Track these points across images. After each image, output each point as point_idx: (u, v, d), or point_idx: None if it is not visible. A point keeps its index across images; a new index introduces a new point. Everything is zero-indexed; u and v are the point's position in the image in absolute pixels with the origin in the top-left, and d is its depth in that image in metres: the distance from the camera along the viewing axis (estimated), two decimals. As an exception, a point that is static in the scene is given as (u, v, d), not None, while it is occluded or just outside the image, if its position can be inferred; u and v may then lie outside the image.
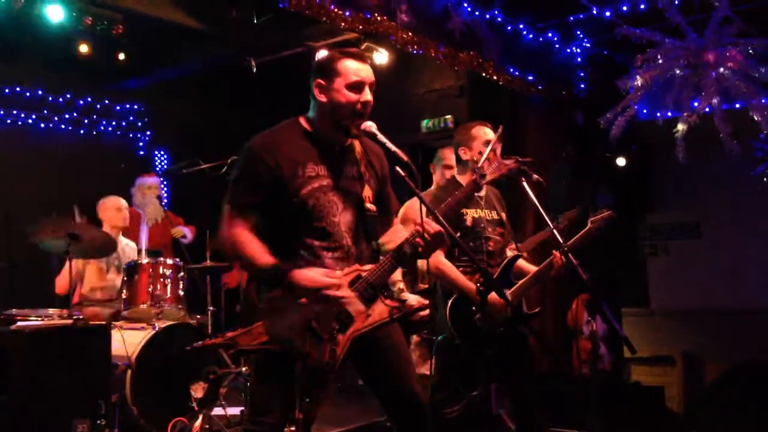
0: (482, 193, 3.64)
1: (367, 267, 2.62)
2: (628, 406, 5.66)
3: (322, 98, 2.61)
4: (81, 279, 5.13)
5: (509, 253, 3.73)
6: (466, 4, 5.35)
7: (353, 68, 2.59)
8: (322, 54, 2.73)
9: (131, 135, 7.14)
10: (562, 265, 3.49)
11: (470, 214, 3.60)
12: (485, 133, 3.69)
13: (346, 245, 2.63)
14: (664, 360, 6.85)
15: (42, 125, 6.49)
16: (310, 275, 2.50)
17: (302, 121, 2.71)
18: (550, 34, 6.19)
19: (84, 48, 5.72)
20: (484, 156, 3.14)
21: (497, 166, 3.11)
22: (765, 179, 6.01)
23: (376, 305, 2.59)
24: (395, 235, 2.78)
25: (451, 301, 3.51)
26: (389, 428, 2.88)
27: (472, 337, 3.46)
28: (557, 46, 6.32)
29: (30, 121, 6.43)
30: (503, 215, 3.80)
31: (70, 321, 3.99)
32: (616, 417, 5.26)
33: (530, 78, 6.12)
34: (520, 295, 3.63)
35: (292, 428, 2.63)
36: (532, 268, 3.67)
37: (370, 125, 2.64)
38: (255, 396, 2.60)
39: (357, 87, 2.59)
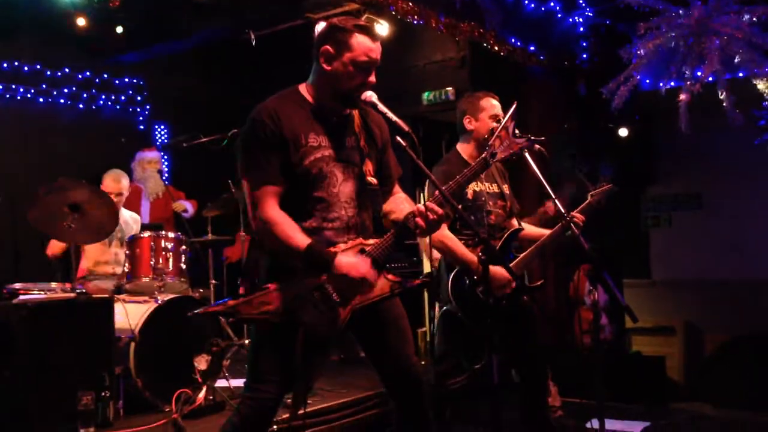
0: None
1: (371, 241, 2.61)
2: (629, 375, 5.70)
3: (327, 66, 2.57)
4: (81, 251, 5.13)
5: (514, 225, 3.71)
6: (466, -27, 5.29)
7: (366, 47, 2.54)
8: (335, 19, 2.63)
9: (131, 109, 7.10)
10: (563, 234, 3.49)
11: (471, 187, 3.56)
12: (493, 105, 3.63)
13: (346, 216, 2.62)
14: (665, 330, 6.88)
15: (41, 100, 6.45)
16: (353, 263, 2.50)
17: (302, 89, 2.68)
18: (552, 4, 6.12)
19: (81, 21, 5.68)
20: (496, 134, 3.06)
21: (509, 144, 2.99)
22: (768, 149, 5.96)
23: (378, 280, 2.58)
24: (398, 205, 2.76)
25: (453, 274, 3.50)
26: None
27: (475, 309, 3.46)
28: (559, 15, 6.25)
29: (29, 95, 6.39)
30: (505, 188, 3.77)
31: (73, 294, 4.00)
32: (617, 386, 5.30)
33: (532, 48, 6.06)
34: (522, 268, 3.63)
35: (290, 397, 2.65)
36: (543, 232, 3.64)
37: (370, 95, 2.61)
38: (254, 365, 2.59)
39: (365, 68, 2.56)
